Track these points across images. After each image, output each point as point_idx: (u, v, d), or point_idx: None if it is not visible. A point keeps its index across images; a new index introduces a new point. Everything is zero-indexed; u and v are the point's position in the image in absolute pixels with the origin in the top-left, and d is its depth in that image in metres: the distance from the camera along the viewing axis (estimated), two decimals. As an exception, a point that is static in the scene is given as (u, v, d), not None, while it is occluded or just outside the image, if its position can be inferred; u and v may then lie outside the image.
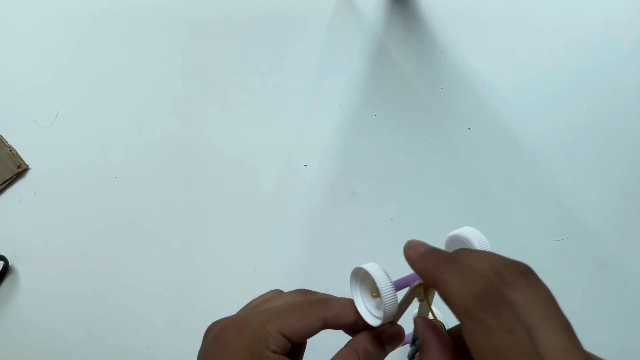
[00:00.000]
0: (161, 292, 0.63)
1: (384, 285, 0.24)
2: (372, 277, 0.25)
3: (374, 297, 0.25)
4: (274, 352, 0.25)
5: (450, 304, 0.20)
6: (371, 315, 0.26)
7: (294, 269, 0.63)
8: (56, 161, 0.73)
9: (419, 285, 0.25)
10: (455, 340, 0.24)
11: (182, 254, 0.65)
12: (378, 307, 0.25)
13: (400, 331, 0.27)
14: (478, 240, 0.25)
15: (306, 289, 0.30)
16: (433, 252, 0.23)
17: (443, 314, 0.52)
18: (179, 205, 0.69)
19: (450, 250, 0.27)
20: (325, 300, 0.28)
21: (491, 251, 0.23)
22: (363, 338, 0.27)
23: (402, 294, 0.27)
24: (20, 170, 0.72)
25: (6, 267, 0.66)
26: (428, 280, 0.22)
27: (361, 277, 0.26)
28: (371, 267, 0.25)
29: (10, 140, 0.75)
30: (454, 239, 0.27)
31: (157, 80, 0.79)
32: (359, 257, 0.60)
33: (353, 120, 0.72)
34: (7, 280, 0.66)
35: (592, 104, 0.70)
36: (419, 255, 0.23)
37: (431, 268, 0.22)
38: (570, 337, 0.19)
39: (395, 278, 0.25)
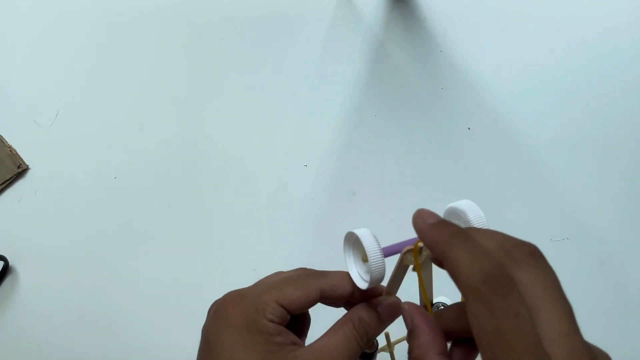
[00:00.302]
0: (161, 292, 0.63)
1: (371, 248, 0.25)
2: (361, 242, 0.25)
3: (364, 261, 0.25)
4: (272, 321, 0.25)
5: (458, 281, 0.20)
6: (361, 279, 0.26)
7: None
8: (56, 161, 0.73)
9: (409, 251, 0.25)
10: (444, 324, 0.24)
11: (182, 253, 0.65)
12: (368, 271, 0.25)
13: (396, 302, 0.27)
14: (474, 214, 0.25)
15: (306, 267, 0.31)
16: (444, 224, 0.22)
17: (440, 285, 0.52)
18: (179, 205, 0.69)
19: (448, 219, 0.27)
20: (322, 272, 0.27)
21: (494, 230, 0.23)
22: (359, 308, 0.27)
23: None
24: (20, 170, 0.72)
25: (6, 267, 0.66)
26: (437, 254, 0.22)
27: (353, 242, 0.26)
28: (361, 232, 0.26)
29: (10, 140, 0.75)
30: (450, 211, 0.27)
31: (157, 80, 0.79)
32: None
33: (353, 120, 0.72)
34: (7, 280, 0.66)
35: (592, 104, 0.70)
36: (429, 226, 0.22)
37: (441, 242, 0.21)
38: (572, 322, 0.19)
39: (387, 245, 0.25)
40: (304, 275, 0.28)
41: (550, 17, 0.77)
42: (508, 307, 0.18)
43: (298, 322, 0.32)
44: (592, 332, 0.61)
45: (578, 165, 0.67)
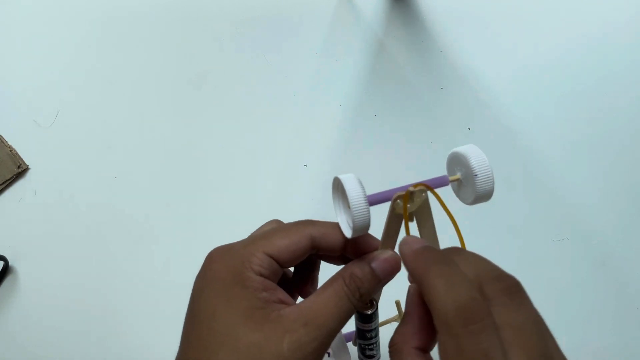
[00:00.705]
0: (162, 292, 0.63)
1: (353, 193, 0.22)
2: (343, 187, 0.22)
3: (350, 208, 0.23)
4: (260, 274, 0.23)
5: (432, 310, 0.18)
6: (348, 227, 0.24)
7: (294, 269, 0.63)
8: (56, 161, 0.73)
9: (399, 197, 0.23)
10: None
11: (182, 254, 0.65)
12: (351, 218, 0.23)
13: (392, 257, 0.24)
14: (476, 158, 0.24)
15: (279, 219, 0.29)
16: (426, 250, 0.21)
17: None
18: (179, 205, 0.69)
19: (449, 169, 0.26)
20: (314, 220, 0.26)
21: (477, 255, 0.21)
22: (352, 264, 0.24)
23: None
24: (20, 170, 0.72)
25: (6, 267, 0.66)
26: (416, 282, 0.20)
27: (340, 189, 0.24)
28: (345, 176, 0.23)
29: (10, 140, 0.75)
30: (454, 157, 0.26)
31: (157, 81, 0.79)
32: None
33: (353, 120, 0.72)
34: (7, 280, 0.66)
35: (592, 104, 0.70)
36: (411, 252, 0.22)
37: (420, 267, 0.20)
38: None
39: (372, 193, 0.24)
40: (293, 223, 0.26)
41: (550, 17, 0.77)
42: (478, 346, 0.17)
43: (302, 280, 0.29)
44: (592, 332, 0.61)
45: (578, 165, 0.67)
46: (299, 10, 0.81)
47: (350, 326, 0.28)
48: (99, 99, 0.78)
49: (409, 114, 0.72)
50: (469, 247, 0.67)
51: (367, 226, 0.23)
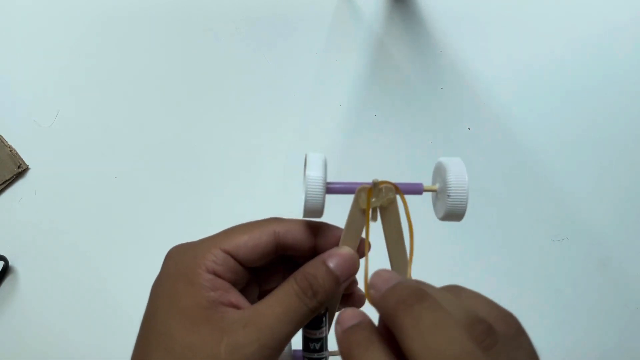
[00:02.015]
0: (161, 292, 0.63)
1: (311, 174, 0.20)
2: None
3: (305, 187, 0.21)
4: (213, 271, 0.21)
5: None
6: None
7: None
8: (56, 161, 0.73)
9: (363, 190, 0.21)
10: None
11: (182, 254, 0.65)
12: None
13: (348, 253, 0.22)
14: (456, 175, 0.22)
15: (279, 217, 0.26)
16: (393, 292, 0.18)
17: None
18: (179, 205, 0.69)
19: (433, 178, 0.24)
20: (279, 217, 0.24)
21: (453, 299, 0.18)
22: (305, 264, 0.22)
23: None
24: (20, 170, 0.72)
25: (6, 267, 0.66)
26: (390, 327, 0.17)
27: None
28: (312, 155, 0.22)
29: (10, 140, 0.75)
30: (438, 166, 0.24)
31: (157, 81, 0.79)
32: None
33: (353, 120, 0.72)
34: (7, 280, 0.66)
35: (592, 104, 0.70)
36: (379, 296, 0.19)
37: (390, 309, 0.18)
38: None
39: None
40: (256, 221, 0.24)
41: (550, 17, 0.77)
42: None
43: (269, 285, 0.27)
44: (592, 332, 0.61)
45: (578, 165, 0.67)
46: (299, 10, 0.81)
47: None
48: (99, 99, 0.78)
49: (409, 114, 0.72)
50: (469, 247, 0.67)
51: (318, 210, 0.22)
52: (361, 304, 0.26)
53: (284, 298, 0.21)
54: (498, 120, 0.70)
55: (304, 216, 0.22)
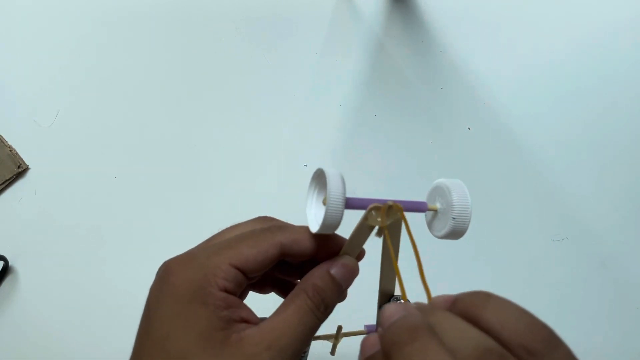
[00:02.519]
0: (161, 292, 0.63)
1: (335, 191, 0.21)
2: (325, 181, 0.21)
3: (324, 204, 0.22)
4: (224, 289, 0.21)
5: None
6: (316, 222, 0.23)
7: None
8: (56, 161, 0.73)
9: (375, 208, 0.22)
10: None
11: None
12: (323, 214, 0.22)
13: (350, 263, 0.23)
14: (460, 198, 0.23)
15: (267, 215, 0.27)
16: (393, 326, 0.18)
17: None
18: (179, 205, 0.69)
19: (430, 197, 0.25)
20: (282, 225, 0.24)
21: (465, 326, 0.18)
22: (311, 274, 0.23)
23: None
24: (20, 170, 0.72)
25: (6, 267, 0.66)
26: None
27: (319, 182, 0.24)
28: (331, 171, 0.22)
29: (10, 140, 0.75)
30: (438, 187, 0.24)
31: (157, 81, 0.79)
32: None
33: (353, 120, 0.72)
34: (7, 280, 0.66)
35: (592, 104, 0.70)
36: (381, 334, 0.19)
37: (386, 347, 0.17)
38: None
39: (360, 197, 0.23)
40: (260, 230, 0.24)
41: (550, 17, 0.77)
42: None
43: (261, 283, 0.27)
44: (592, 331, 0.61)
45: (578, 165, 0.67)
46: (298, 10, 0.81)
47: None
48: (99, 98, 0.78)
49: (409, 114, 0.72)
50: (468, 247, 0.67)
51: (336, 226, 0.22)
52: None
53: (300, 315, 0.22)
54: (498, 120, 0.70)
55: (319, 231, 0.22)
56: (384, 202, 0.22)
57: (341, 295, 0.23)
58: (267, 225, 0.25)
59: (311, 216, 0.24)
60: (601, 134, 0.68)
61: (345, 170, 0.71)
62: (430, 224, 0.25)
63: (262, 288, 0.29)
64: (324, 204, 0.22)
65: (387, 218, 0.22)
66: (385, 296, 0.25)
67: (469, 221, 0.23)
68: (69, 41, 0.83)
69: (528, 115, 0.70)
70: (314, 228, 0.23)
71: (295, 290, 0.23)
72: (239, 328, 0.21)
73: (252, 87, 0.77)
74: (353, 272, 0.23)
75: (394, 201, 0.22)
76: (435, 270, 0.60)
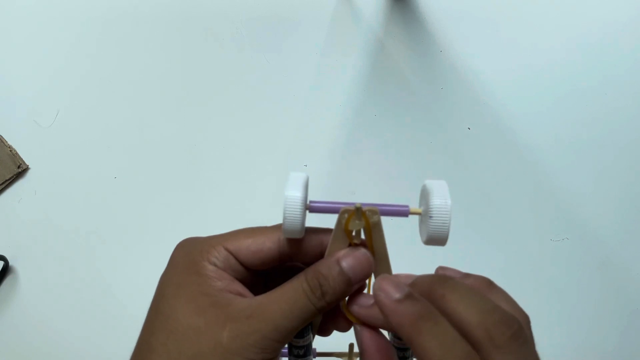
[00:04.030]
0: (161, 292, 0.63)
1: (290, 194, 0.21)
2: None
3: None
4: (214, 265, 0.22)
5: None
6: None
7: (294, 269, 0.63)
8: (56, 161, 0.73)
9: (346, 211, 0.21)
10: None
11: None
12: None
13: (364, 254, 0.22)
14: (439, 200, 0.22)
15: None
16: (411, 301, 0.19)
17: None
18: (179, 206, 0.69)
19: (420, 201, 0.25)
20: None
21: (473, 293, 0.20)
22: (318, 262, 0.23)
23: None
24: (20, 170, 0.72)
25: (6, 267, 0.66)
26: (404, 338, 0.19)
27: None
28: (293, 175, 0.22)
29: (10, 140, 0.75)
30: (423, 189, 0.24)
31: (157, 81, 0.79)
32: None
33: (353, 120, 0.72)
34: (7, 280, 0.66)
35: (592, 104, 0.70)
36: (393, 302, 0.20)
37: (407, 325, 0.19)
38: None
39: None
40: (264, 226, 0.25)
41: (550, 17, 0.77)
42: None
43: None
44: (591, 331, 0.61)
45: (578, 165, 0.67)
46: (298, 10, 0.81)
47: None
48: (99, 98, 0.78)
49: (409, 114, 0.72)
50: (468, 247, 0.67)
51: (298, 230, 0.22)
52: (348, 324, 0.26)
53: (291, 294, 0.21)
54: (498, 120, 0.70)
55: (284, 236, 0.23)
56: (354, 205, 0.22)
57: (350, 288, 0.22)
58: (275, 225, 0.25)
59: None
60: (601, 134, 0.68)
61: (345, 170, 0.72)
62: (420, 229, 0.25)
63: None
64: None
65: (360, 222, 0.22)
66: None
67: (448, 224, 0.22)
68: (69, 41, 0.83)
69: (528, 115, 0.70)
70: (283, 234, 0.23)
71: (297, 275, 0.23)
72: (231, 297, 0.22)
73: (251, 87, 0.77)
74: (366, 265, 0.22)
75: (370, 205, 0.22)
76: (435, 269, 0.60)
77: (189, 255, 0.24)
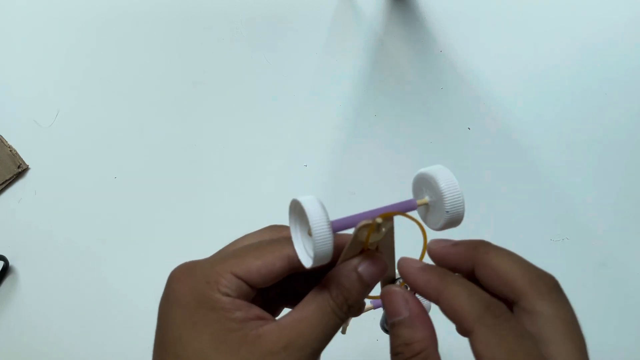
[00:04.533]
0: (161, 292, 0.63)
1: (316, 219, 0.20)
2: (304, 212, 0.20)
3: (310, 235, 0.20)
4: (227, 295, 0.21)
5: (460, 315, 0.20)
6: (307, 255, 0.21)
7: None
8: (56, 161, 0.73)
9: (365, 226, 0.21)
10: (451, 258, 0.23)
11: (181, 254, 0.64)
12: (312, 247, 0.20)
13: (380, 259, 0.22)
14: (447, 182, 0.22)
15: (278, 224, 0.26)
16: (433, 267, 0.22)
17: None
18: (179, 206, 0.69)
19: (416, 191, 0.25)
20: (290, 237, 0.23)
21: (512, 252, 0.23)
22: (337, 271, 0.22)
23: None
24: (20, 170, 0.72)
25: (6, 267, 0.66)
26: (431, 294, 0.21)
27: (299, 212, 0.22)
28: (306, 199, 0.21)
29: (10, 140, 0.75)
30: (421, 178, 0.24)
31: (157, 81, 0.79)
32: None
33: (353, 120, 0.72)
34: (7, 280, 0.66)
35: (592, 104, 0.70)
36: (417, 269, 0.21)
37: (435, 280, 0.21)
38: (584, 358, 0.20)
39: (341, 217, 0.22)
40: (268, 242, 0.24)
41: (550, 17, 0.77)
42: (513, 329, 0.19)
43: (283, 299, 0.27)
44: (592, 331, 0.61)
45: (578, 165, 0.67)
46: (299, 10, 0.81)
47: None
48: (99, 98, 0.78)
49: (409, 114, 0.72)
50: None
51: (330, 255, 0.20)
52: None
53: (321, 315, 0.21)
54: (498, 120, 0.70)
55: (313, 265, 0.21)
56: (372, 215, 0.21)
57: (367, 294, 0.22)
58: (276, 237, 0.24)
59: (301, 250, 0.22)
60: (601, 133, 0.68)
61: (345, 170, 0.72)
62: (424, 218, 0.25)
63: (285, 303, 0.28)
64: (310, 234, 0.20)
65: (379, 234, 0.21)
66: (388, 278, 0.25)
67: (464, 207, 0.23)
68: (69, 42, 0.83)
69: (528, 115, 0.70)
70: (308, 263, 0.21)
71: (317, 287, 0.22)
72: (256, 325, 0.21)
73: (252, 87, 0.77)
74: (383, 270, 0.22)
75: (382, 211, 0.21)
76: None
77: (195, 290, 0.21)
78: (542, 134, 0.69)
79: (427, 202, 0.24)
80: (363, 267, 0.22)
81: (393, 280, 0.25)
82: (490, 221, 0.64)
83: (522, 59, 0.74)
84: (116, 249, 0.67)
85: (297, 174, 0.69)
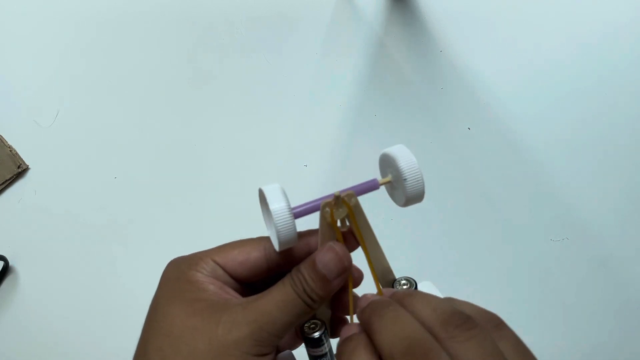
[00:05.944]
0: (161, 292, 0.63)
1: (275, 205, 0.21)
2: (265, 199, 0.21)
3: (273, 221, 0.22)
4: (203, 274, 0.23)
5: (381, 354, 0.18)
6: (276, 240, 0.22)
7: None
8: (56, 161, 0.73)
9: (327, 204, 0.22)
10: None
11: (180, 253, 0.65)
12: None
13: (331, 247, 0.22)
14: (405, 160, 0.23)
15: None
16: (373, 301, 0.21)
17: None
18: (179, 206, 0.69)
19: (382, 171, 0.26)
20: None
21: (427, 294, 0.21)
22: (301, 263, 0.23)
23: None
24: (20, 170, 0.72)
25: (6, 267, 0.66)
26: (365, 330, 0.20)
27: (263, 200, 0.23)
28: (268, 188, 0.22)
29: (10, 140, 0.75)
30: (384, 158, 0.24)
31: (157, 81, 0.79)
32: (358, 257, 0.61)
33: (353, 120, 0.72)
34: (7, 280, 0.66)
35: (592, 104, 0.70)
36: (360, 311, 0.22)
37: (365, 315, 0.20)
38: None
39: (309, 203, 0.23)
40: (250, 238, 0.26)
41: (550, 18, 0.77)
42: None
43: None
44: (591, 332, 0.61)
45: (578, 165, 0.67)
46: (299, 10, 0.81)
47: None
48: (99, 99, 0.78)
49: (409, 114, 0.72)
50: (468, 247, 0.67)
51: (294, 239, 0.22)
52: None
53: (286, 295, 0.22)
54: (498, 120, 0.70)
55: (280, 249, 0.22)
56: (332, 196, 0.22)
57: (330, 285, 0.22)
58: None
59: (273, 236, 0.23)
60: (601, 134, 0.68)
61: (345, 170, 0.72)
62: (392, 197, 0.26)
63: None
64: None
65: (342, 210, 0.22)
66: (386, 278, 0.26)
67: (422, 179, 0.23)
68: (69, 41, 0.83)
69: (528, 115, 0.70)
70: (277, 247, 0.22)
71: (289, 273, 0.23)
72: (225, 297, 0.22)
73: (252, 87, 0.77)
74: (338, 259, 0.22)
75: (342, 190, 0.23)
76: (435, 271, 0.60)
77: (178, 269, 0.24)
78: (542, 134, 0.69)
79: (389, 180, 0.25)
80: (318, 256, 0.22)
81: (392, 283, 0.25)
82: (490, 221, 0.64)
83: (522, 59, 0.74)
84: (116, 249, 0.67)
85: (297, 174, 0.69)
